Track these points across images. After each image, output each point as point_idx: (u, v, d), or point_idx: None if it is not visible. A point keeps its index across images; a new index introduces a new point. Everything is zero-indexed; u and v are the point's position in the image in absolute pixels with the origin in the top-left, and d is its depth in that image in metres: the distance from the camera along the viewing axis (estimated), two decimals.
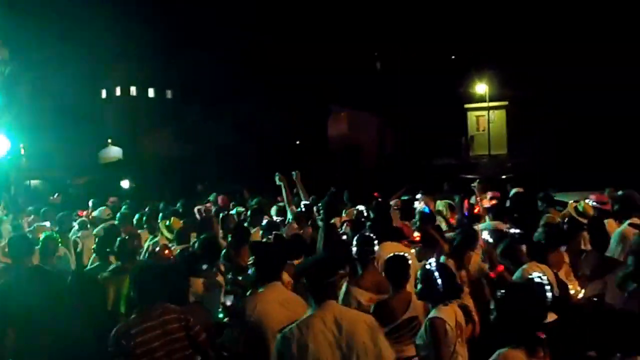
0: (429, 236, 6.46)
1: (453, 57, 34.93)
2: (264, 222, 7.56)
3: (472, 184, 10.04)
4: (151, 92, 43.94)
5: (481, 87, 34.28)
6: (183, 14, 37.66)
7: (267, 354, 3.79)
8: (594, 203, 7.38)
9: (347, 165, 28.28)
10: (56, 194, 13.03)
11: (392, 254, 4.72)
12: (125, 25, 35.46)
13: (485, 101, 34.19)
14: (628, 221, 6.14)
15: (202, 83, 35.96)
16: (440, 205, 9.02)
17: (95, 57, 36.26)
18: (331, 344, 3.40)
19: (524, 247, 5.41)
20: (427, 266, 4.10)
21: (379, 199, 9.93)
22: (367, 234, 5.35)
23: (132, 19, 35.97)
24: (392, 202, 9.65)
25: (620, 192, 6.71)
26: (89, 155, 35.18)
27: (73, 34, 32.58)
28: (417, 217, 7.42)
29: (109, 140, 37.71)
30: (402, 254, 4.75)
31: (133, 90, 43.65)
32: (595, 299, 4.92)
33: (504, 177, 24.70)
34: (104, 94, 43.57)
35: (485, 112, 34.50)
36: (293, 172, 9.01)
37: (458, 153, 33.11)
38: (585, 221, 6.75)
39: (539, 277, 3.84)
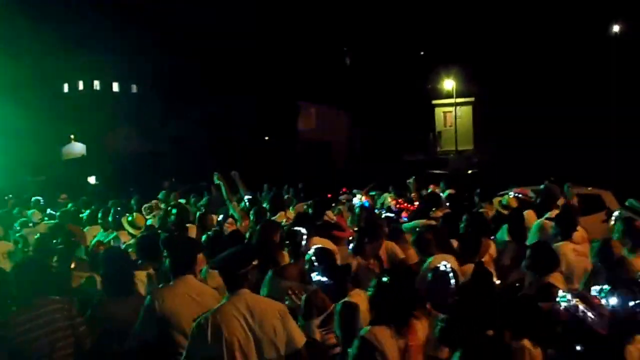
0: (373, 228, 6.35)
1: (422, 53, 35.16)
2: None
3: (408, 180, 10.54)
4: (115, 87, 43.08)
5: (448, 84, 34.66)
6: (148, 7, 37.01)
7: (175, 346, 3.99)
8: (519, 195, 7.72)
9: (317, 161, 28.18)
10: (9, 196, 12.64)
11: (317, 246, 4.89)
12: (87, 17, 34.69)
13: (452, 97, 34.58)
14: (548, 214, 6.38)
15: (168, 78, 35.40)
16: (387, 197, 9.21)
17: (56, 50, 35.36)
18: (244, 328, 3.63)
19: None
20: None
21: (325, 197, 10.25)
22: (296, 228, 5.49)
23: (95, 11, 35.20)
24: (342, 197, 9.98)
25: (542, 186, 6.98)
26: (51, 152, 34.32)
27: (33, 26, 31.68)
28: (356, 212, 7.56)
29: (72, 137, 36.85)
30: (323, 246, 4.95)
31: (97, 84, 42.76)
32: (515, 285, 5.15)
33: (470, 172, 25.11)
34: (65, 88, 42.54)
35: (453, 108, 34.88)
36: (232, 172, 8.95)
37: (426, 149, 33.40)
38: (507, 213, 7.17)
39: (444, 265, 4.22)
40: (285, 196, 11.13)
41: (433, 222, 6.94)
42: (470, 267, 5.18)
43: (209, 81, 33.96)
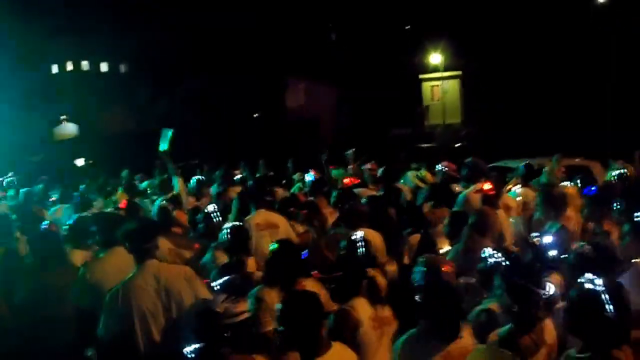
0: (313, 206, 6.71)
1: (407, 27, 35.16)
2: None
3: (347, 152, 10.69)
4: (104, 67, 42.91)
5: (436, 58, 34.70)
6: None
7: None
8: (445, 169, 8.06)
9: (306, 137, 28.37)
10: (10, 174, 12.88)
11: (234, 224, 5.23)
12: None
13: (439, 71, 34.68)
14: (473, 186, 6.54)
15: (156, 56, 35.34)
16: (410, 176, 9.25)
17: (43, 31, 35.14)
18: (151, 295, 3.97)
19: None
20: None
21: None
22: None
23: None
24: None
25: (468, 160, 7.14)
26: (43, 133, 34.31)
27: (19, 8, 31.50)
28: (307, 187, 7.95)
29: (63, 117, 36.84)
30: (238, 224, 5.28)
31: (85, 64, 42.55)
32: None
33: (457, 145, 25.34)
34: (54, 69, 42.36)
35: (440, 82, 35.00)
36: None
37: (414, 123, 33.60)
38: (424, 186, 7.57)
39: (356, 235, 4.56)
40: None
41: (373, 192, 7.35)
42: (416, 238, 5.58)
43: (197, 59, 33.96)
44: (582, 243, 4.18)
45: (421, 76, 36.17)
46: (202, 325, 3.25)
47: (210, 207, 5.99)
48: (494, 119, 28.51)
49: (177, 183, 7.96)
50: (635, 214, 4.70)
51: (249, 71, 32.71)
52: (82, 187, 10.91)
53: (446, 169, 8.10)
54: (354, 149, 10.76)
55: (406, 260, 5.33)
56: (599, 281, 2.81)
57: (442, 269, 3.67)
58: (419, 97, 36.26)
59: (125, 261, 4.48)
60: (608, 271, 3.64)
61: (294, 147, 22.02)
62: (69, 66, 42.33)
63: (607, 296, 2.74)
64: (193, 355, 3.25)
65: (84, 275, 4.63)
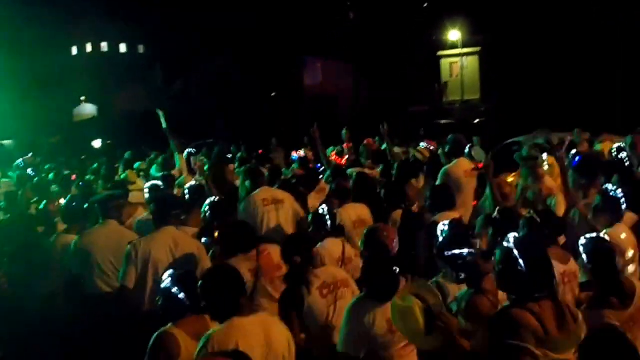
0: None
1: (425, 4, 34.77)
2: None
3: (342, 131, 11.02)
4: (123, 48, 43.13)
5: (454, 34, 34.32)
6: None
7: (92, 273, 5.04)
8: (431, 147, 8.66)
9: (323, 115, 28.33)
10: (30, 154, 13.12)
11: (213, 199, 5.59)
12: None
13: (458, 47, 34.32)
14: (455, 160, 6.90)
15: (174, 37, 35.41)
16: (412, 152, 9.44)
17: (63, 13, 35.40)
18: (166, 252, 4.55)
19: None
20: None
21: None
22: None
23: None
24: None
25: (450, 136, 7.46)
26: (63, 114, 34.72)
27: None
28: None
29: (83, 98, 37.21)
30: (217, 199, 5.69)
31: (104, 46, 42.83)
32: None
33: (476, 121, 25.17)
34: (74, 50, 42.69)
35: (459, 59, 34.66)
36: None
37: (432, 99, 33.37)
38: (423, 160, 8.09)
39: (322, 209, 5.08)
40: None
41: (367, 171, 7.70)
42: (398, 214, 5.70)
43: (214, 40, 33.93)
44: (530, 210, 4.43)
45: (440, 53, 35.88)
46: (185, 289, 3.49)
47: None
48: (512, 95, 28.19)
49: (179, 160, 8.17)
50: (608, 187, 4.86)
51: (266, 50, 32.64)
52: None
53: (432, 147, 8.59)
54: (346, 127, 11.16)
55: None
56: (512, 239, 3.01)
57: (380, 237, 3.97)
58: (438, 73, 35.99)
59: (116, 233, 5.17)
60: (550, 236, 4.04)
61: (312, 126, 21.99)
62: (89, 48, 42.63)
63: (519, 253, 2.91)
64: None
65: (76, 244, 5.16)
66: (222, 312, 3.21)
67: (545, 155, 7.13)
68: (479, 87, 34.91)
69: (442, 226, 4.10)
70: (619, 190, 4.73)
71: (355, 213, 5.67)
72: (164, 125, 8.55)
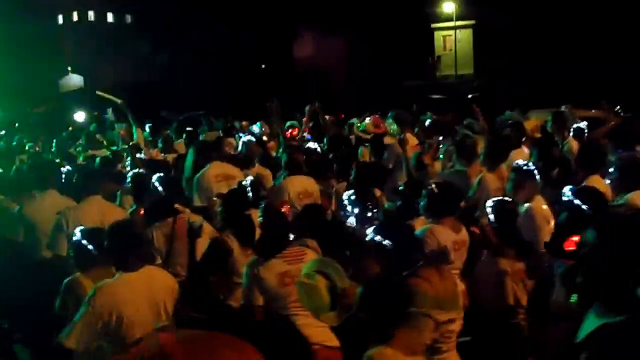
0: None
1: None
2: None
3: (306, 107, 10.63)
4: (110, 17, 42.36)
5: (448, 6, 34.00)
6: None
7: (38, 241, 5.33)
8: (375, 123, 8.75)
9: (314, 88, 27.99)
10: (16, 124, 12.86)
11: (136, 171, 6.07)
12: None
13: (452, 20, 34.02)
14: (400, 136, 6.97)
15: (162, 6, 34.72)
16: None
17: None
18: (95, 220, 4.77)
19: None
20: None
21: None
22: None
23: None
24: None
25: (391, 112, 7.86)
26: (49, 84, 34.18)
27: None
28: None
29: (69, 69, 36.58)
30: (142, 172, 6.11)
31: (91, 15, 42.03)
32: None
33: (470, 96, 25.01)
34: (60, 19, 41.86)
35: (452, 32, 34.40)
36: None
37: (425, 73, 33.10)
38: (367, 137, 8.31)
39: (247, 180, 5.38)
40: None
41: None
42: (343, 186, 5.96)
43: (203, 9, 33.30)
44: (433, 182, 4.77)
45: (433, 25, 35.64)
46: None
47: None
48: (507, 70, 27.95)
49: (137, 133, 8.42)
50: (519, 162, 5.13)
51: (255, 21, 32.12)
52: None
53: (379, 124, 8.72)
54: (310, 104, 10.61)
55: (333, 206, 5.91)
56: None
57: (273, 208, 4.41)
58: (431, 47, 35.71)
59: (58, 202, 5.48)
60: (447, 208, 4.41)
61: (302, 99, 21.76)
62: (75, 17, 41.85)
63: (383, 233, 3.38)
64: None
65: (19, 211, 5.57)
66: (119, 265, 3.71)
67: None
68: (472, 62, 34.66)
69: (346, 196, 4.69)
70: (531, 165, 4.98)
71: (302, 185, 5.95)
72: (118, 101, 8.93)
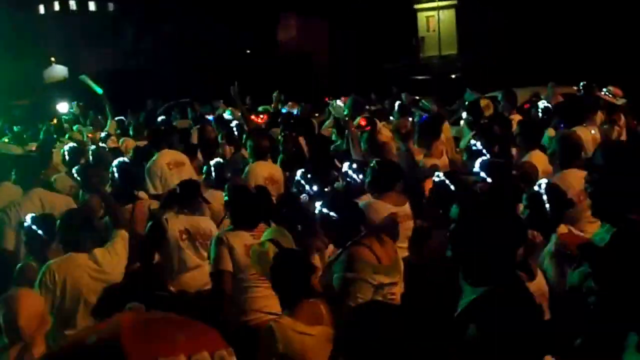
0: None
1: None
2: None
3: (274, 94, 11.36)
4: (92, 6, 41.90)
5: None
6: None
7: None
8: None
9: (298, 73, 27.90)
10: None
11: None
12: None
13: (434, 1, 33.88)
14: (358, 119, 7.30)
15: None
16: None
17: None
18: (37, 210, 4.96)
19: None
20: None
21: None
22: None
23: None
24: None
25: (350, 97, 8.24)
26: (33, 75, 33.77)
27: None
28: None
29: (52, 59, 36.16)
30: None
31: (72, 4, 41.54)
32: None
33: (453, 76, 24.99)
34: (41, 9, 41.34)
35: (435, 12, 34.20)
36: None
37: (409, 55, 33.01)
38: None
39: (212, 162, 5.89)
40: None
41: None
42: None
43: None
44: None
45: (416, 6, 35.35)
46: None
47: None
48: (490, 50, 27.88)
49: (109, 124, 9.18)
50: (471, 141, 5.68)
51: (238, 6, 31.88)
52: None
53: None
54: (278, 91, 11.42)
55: None
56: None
57: (239, 187, 4.68)
58: (414, 28, 35.43)
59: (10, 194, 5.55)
60: (387, 183, 4.74)
61: (287, 83, 21.75)
62: (56, 6, 41.32)
63: (329, 206, 3.77)
64: None
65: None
66: (69, 249, 3.96)
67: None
68: (455, 42, 34.50)
69: (300, 174, 5.16)
70: (478, 143, 5.42)
71: (268, 171, 6.16)
72: (100, 91, 9.33)
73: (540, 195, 3.70)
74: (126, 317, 1.65)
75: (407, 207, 4.74)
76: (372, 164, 4.79)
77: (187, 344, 1.56)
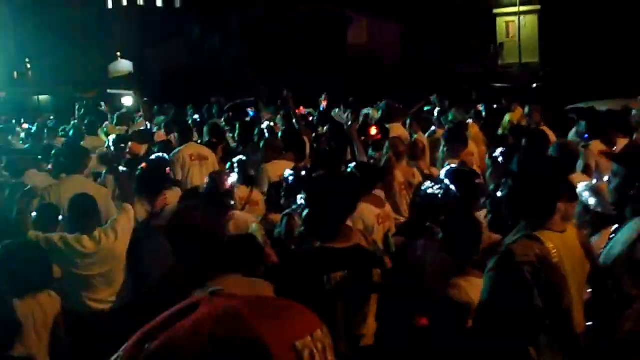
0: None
1: None
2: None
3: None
4: (159, 2, 42.25)
5: None
6: None
7: None
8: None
9: (367, 76, 27.13)
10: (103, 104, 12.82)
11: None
12: None
13: (516, 6, 32.95)
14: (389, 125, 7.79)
15: None
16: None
17: None
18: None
19: None
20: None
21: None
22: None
23: None
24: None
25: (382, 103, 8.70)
26: (99, 69, 34.30)
27: None
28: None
29: (118, 54, 36.51)
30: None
31: (140, 0, 41.97)
32: None
33: (534, 85, 23.82)
34: (110, 4, 41.93)
35: (516, 18, 33.30)
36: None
37: (486, 61, 32.03)
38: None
39: (234, 160, 6.18)
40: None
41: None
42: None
43: None
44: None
45: (495, 11, 34.72)
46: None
47: None
48: (574, 58, 26.87)
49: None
50: (496, 153, 5.55)
51: (307, 4, 31.30)
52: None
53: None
54: (325, 94, 11.41)
55: None
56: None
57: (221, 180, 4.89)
58: (493, 34, 34.77)
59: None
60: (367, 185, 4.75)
61: (355, 85, 20.94)
62: (124, 1, 41.88)
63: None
64: None
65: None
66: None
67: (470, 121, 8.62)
68: (537, 49, 33.51)
69: (287, 172, 5.13)
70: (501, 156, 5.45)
71: (281, 169, 6.13)
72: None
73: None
74: (235, 303, 1.39)
75: (388, 208, 4.94)
76: (349, 167, 5.00)
77: (303, 323, 1.40)
